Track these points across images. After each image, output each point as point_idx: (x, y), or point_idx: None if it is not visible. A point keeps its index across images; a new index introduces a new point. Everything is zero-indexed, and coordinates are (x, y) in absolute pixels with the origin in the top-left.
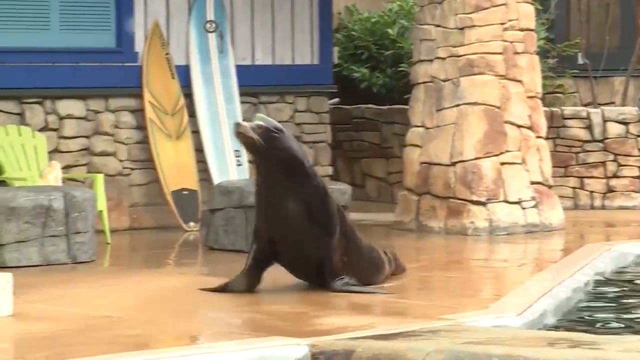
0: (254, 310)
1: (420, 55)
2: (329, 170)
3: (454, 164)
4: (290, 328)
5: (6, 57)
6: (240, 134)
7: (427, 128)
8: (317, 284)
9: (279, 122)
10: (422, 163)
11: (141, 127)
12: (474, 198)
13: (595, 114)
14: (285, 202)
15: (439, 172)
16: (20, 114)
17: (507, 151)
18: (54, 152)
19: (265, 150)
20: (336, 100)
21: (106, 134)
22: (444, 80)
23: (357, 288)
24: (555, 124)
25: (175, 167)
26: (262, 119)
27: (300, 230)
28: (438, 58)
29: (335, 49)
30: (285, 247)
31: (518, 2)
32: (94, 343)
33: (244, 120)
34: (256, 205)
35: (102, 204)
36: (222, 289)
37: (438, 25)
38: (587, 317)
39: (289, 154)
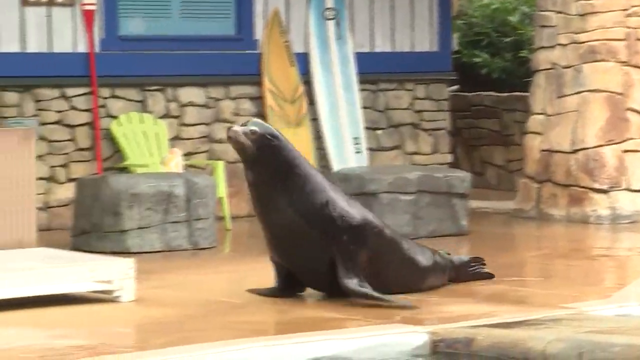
0: None
1: (542, 41)
2: (448, 157)
3: (575, 151)
4: (411, 316)
5: (128, 45)
6: (230, 139)
7: (548, 115)
8: (332, 294)
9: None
10: (543, 150)
11: (261, 114)
12: (596, 186)
13: None
14: (281, 211)
15: (560, 160)
16: (142, 102)
17: (630, 139)
18: (175, 139)
19: (257, 156)
20: (456, 87)
21: (226, 121)
22: (565, 67)
23: (372, 293)
24: None
25: None
26: (256, 124)
27: (300, 238)
28: (559, 45)
29: (455, 36)
30: (289, 258)
31: None
32: (214, 329)
33: (245, 123)
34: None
35: (222, 191)
36: (267, 294)
37: (559, 12)
38: None
39: (283, 161)
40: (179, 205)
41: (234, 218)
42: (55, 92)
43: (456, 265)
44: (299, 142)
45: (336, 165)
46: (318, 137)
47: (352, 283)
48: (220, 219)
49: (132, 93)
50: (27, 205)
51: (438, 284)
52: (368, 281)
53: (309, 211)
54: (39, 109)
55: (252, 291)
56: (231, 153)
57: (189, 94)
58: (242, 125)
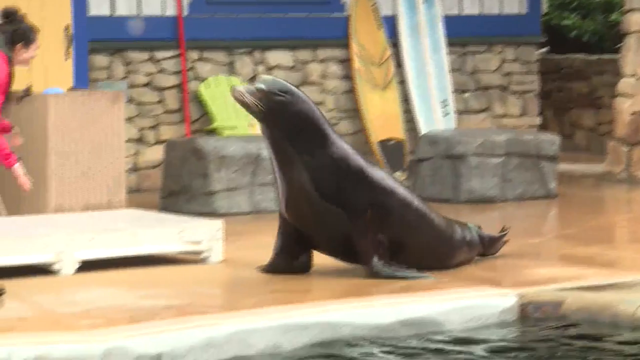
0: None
1: (632, 3)
2: (537, 120)
3: None
4: (499, 278)
5: (216, 9)
6: (235, 98)
7: (639, 78)
8: (353, 262)
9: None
10: (633, 113)
11: (348, 77)
12: None
13: None
14: (295, 174)
15: None
16: (230, 64)
17: None
18: None
19: (266, 114)
20: (545, 49)
21: (314, 84)
22: None
23: (398, 273)
24: None
25: (381, 117)
26: (265, 81)
27: (316, 205)
28: None
29: None
30: (302, 219)
31: None
32: (302, 290)
33: (257, 81)
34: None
35: None
36: (266, 270)
37: None
38: None
39: (296, 118)
40: (266, 167)
41: None
42: (145, 55)
43: (485, 241)
44: (386, 105)
45: (424, 128)
46: (405, 100)
47: (375, 265)
48: None
49: (220, 56)
50: (116, 167)
51: (467, 259)
52: (393, 257)
53: (326, 178)
54: (129, 72)
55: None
56: None
57: (276, 56)
58: (251, 84)
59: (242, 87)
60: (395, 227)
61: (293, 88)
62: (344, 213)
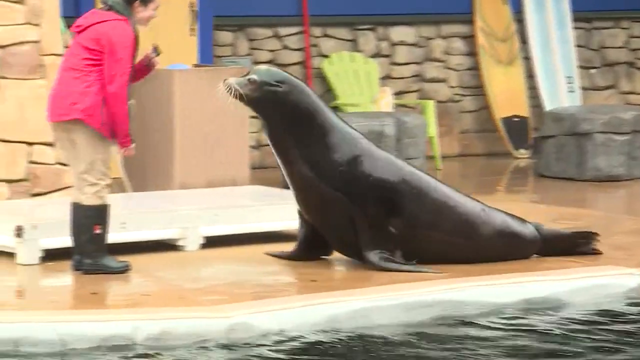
0: None
1: None
2: None
3: None
4: (625, 258)
5: None
6: (224, 90)
7: None
8: (361, 260)
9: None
10: None
11: (472, 53)
12: None
13: None
14: (296, 166)
15: None
16: (353, 41)
17: None
18: (386, 78)
19: (260, 105)
20: None
21: (437, 60)
22: None
23: (396, 268)
24: None
25: (505, 93)
26: (257, 72)
27: (321, 197)
28: None
29: None
30: (314, 215)
31: None
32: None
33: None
34: None
35: (432, 130)
36: (286, 257)
37: None
38: None
39: (293, 109)
40: (389, 144)
41: (445, 157)
42: (268, 32)
43: (547, 238)
44: (510, 81)
45: (548, 105)
46: (530, 76)
47: (374, 256)
48: (431, 158)
49: (343, 32)
50: (240, 144)
51: (515, 256)
52: (407, 249)
53: (327, 168)
54: (252, 48)
55: (270, 254)
56: (442, 92)
57: (400, 32)
58: (244, 75)
59: (234, 79)
60: (405, 217)
61: (290, 78)
62: (349, 200)
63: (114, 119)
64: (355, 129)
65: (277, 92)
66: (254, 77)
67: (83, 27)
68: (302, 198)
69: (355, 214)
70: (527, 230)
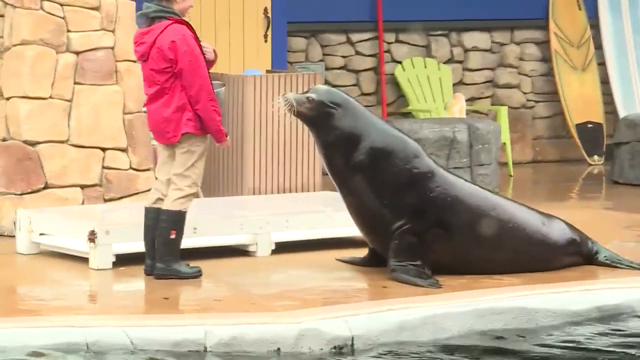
0: None
1: None
2: None
3: None
4: None
5: None
6: (282, 105)
7: None
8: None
9: None
10: None
11: (546, 59)
12: None
13: None
14: (349, 184)
15: None
16: (426, 46)
17: None
18: (459, 84)
19: (316, 124)
20: None
21: (511, 66)
22: None
23: (410, 278)
24: None
25: (580, 99)
26: (316, 91)
27: (368, 218)
28: None
29: None
30: (365, 231)
31: None
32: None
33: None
34: None
35: (505, 137)
36: (357, 263)
37: None
38: None
39: (347, 131)
40: (461, 150)
41: (517, 164)
42: (341, 37)
43: (590, 253)
44: (585, 87)
45: (623, 111)
46: (604, 82)
47: (395, 267)
48: (503, 164)
49: (416, 38)
50: (312, 149)
51: (561, 263)
52: (440, 260)
53: (372, 190)
54: (325, 54)
55: (341, 260)
56: (515, 98)
57: (473, 38)
58: (304, 92)
59: (293, 94)
60: (434, 230)
61: (347, 101)
62: (386, 215)
63: (204, 118)
64: (413, 142)
65: (332, 114)
66: (312, 96)
67: (146, 54)
68: (355, 213)
69: (393, 224)
70: (580, 241)
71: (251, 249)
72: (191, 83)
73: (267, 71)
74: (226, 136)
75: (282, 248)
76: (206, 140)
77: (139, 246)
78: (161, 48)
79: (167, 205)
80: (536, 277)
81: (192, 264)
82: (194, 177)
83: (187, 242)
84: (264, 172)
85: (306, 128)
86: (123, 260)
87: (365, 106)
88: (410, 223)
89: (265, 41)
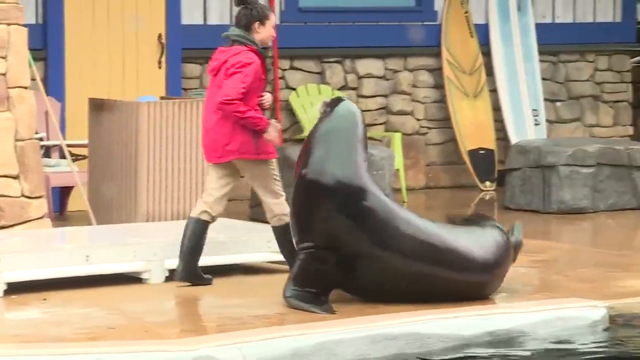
0: (555, 272)
1: None
2: (630, 130)
3: None
4: (589, 290)
5: (308, 17)
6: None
7: None
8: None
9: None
10: None
11: (439, 86)
12: None
13: None
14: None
15: None
16: (321, 73)
17: None
18: None
19: None
20: (638, 58)
21: (404, 92)
22: None
23: (305, 305)
24: None
25: (472, 126)
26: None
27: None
28: None
29: (639, 6)
30: None
31: None
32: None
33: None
34: None
35: (399, 163)
36: None
37: None
38: None
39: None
40: None
41: (411, 190)
42: None
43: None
44: (477, 114)
45: (514, 137)
46: (496, 109)
47: (291, 294)
48: (397, 190)
49: (310, 65)
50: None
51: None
52: (348, 287)
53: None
54: None
55: None
56: (409, 124)
57: (367, 65)
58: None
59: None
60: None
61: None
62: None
63: (243, 124)
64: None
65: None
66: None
67: (217, 69)
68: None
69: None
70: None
71: (145, 276)
72: (225, 95)
73: (162, 97)
74: (268, 125)
75: None
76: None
77: (32, 274)
78: (228, 67)
79: (276, 222)
80: (431, 303)
81: (84, 291)
82: (275, 188)
83: (79, 270)
84: (157, 198)
85: (201, 154)
86: (15, 289)
87: None
88: (315, 248)
89: (160, 67)
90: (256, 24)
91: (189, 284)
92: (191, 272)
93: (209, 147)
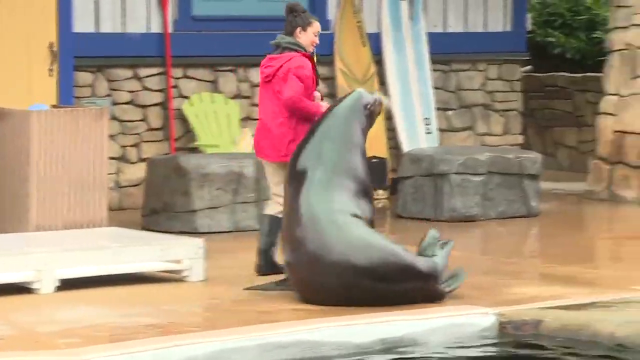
0: None
1: (617, 22)
2: (520, 139)
3: None
4: (480, 297)
5: (201, 25)
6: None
7: (622, 96)
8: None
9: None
10: (616, 132)
11: (332, 94)
12: None
13: None
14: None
15: (634, 141)
16: (214, 82)
17: None
18: (246, 119)
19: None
20: (528, 67)
21: None
22: None
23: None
24: None
25: None
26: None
27: None
28: (635, 25)
29: (529, 16)
30: None
31: None
32: (284, 310)
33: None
34: None
35: None
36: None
37: None
38: None
39: None
40: (248, 185)
41: None
42: (128, 73)
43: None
44: None
45: (406, 146)
46: (389, 117)
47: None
48: None
49: (204, 73)
50: (99, 185)
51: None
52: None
53: None
54: (112, 89)
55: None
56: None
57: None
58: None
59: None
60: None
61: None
62: None
63: (307, 115)
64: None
65: None
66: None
67: (272, 75)
68: None
69: None
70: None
71: (35, 286)
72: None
73: (53, 106)
74: (321, 106)
75: (68, 285)
76: None
77: None
78: (285, 71)
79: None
80: (329, 310)
81: None
82: None
83: None
84: (49, 208)
85: (93, 163)
86: None
87: (153, 141)
88: None
89: (51, 75)
90: (298, 30)
91: (271, 276)
92: (274, 265)
93: (273, 147)
